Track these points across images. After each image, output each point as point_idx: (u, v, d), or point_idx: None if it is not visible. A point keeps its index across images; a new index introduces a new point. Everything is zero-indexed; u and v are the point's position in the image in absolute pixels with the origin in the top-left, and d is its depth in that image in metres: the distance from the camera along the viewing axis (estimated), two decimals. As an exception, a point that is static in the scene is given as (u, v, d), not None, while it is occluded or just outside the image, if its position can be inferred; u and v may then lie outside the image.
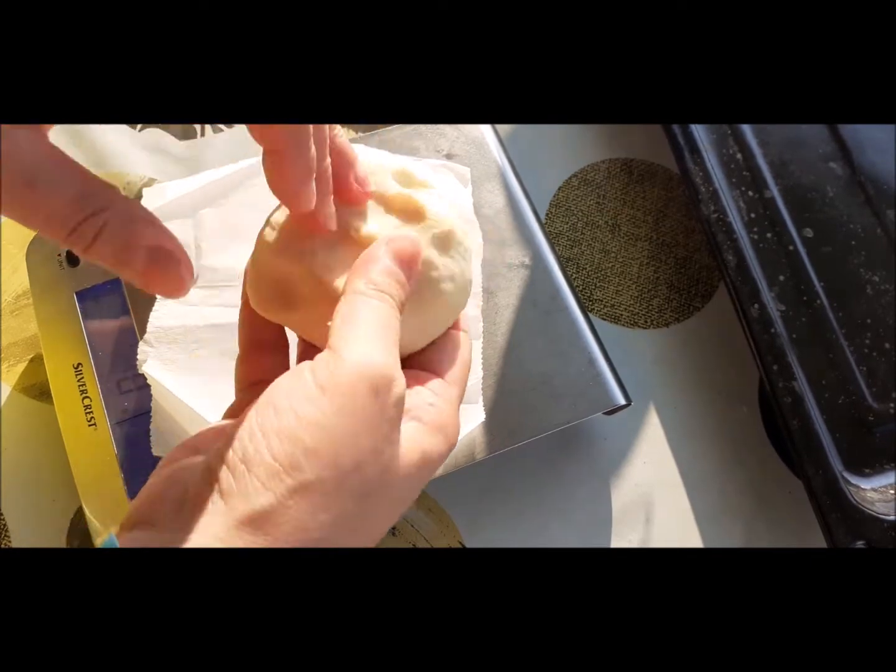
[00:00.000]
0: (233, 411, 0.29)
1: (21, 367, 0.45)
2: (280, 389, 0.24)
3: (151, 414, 0.38)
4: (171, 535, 0.22)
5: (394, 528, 0.41)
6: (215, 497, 0.22)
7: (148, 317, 0.39)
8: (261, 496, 0.22)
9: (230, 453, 0.23)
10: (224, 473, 0.22)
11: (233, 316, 0.31)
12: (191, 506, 0.22)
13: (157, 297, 0.39)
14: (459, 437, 0.34)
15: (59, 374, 0.40)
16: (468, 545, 0.42)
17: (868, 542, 0.37)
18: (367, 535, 0.25)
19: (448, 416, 0.27)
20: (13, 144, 0.21)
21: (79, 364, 0.40)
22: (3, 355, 0.46)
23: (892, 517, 0.38)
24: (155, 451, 0.37)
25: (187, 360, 0.38)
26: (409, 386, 0.26)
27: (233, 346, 0.30)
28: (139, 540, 0.22)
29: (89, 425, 0.39)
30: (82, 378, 0.40)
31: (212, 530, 0.22)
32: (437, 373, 0.29)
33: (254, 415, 0.23)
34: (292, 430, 0.22)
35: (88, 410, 0.39)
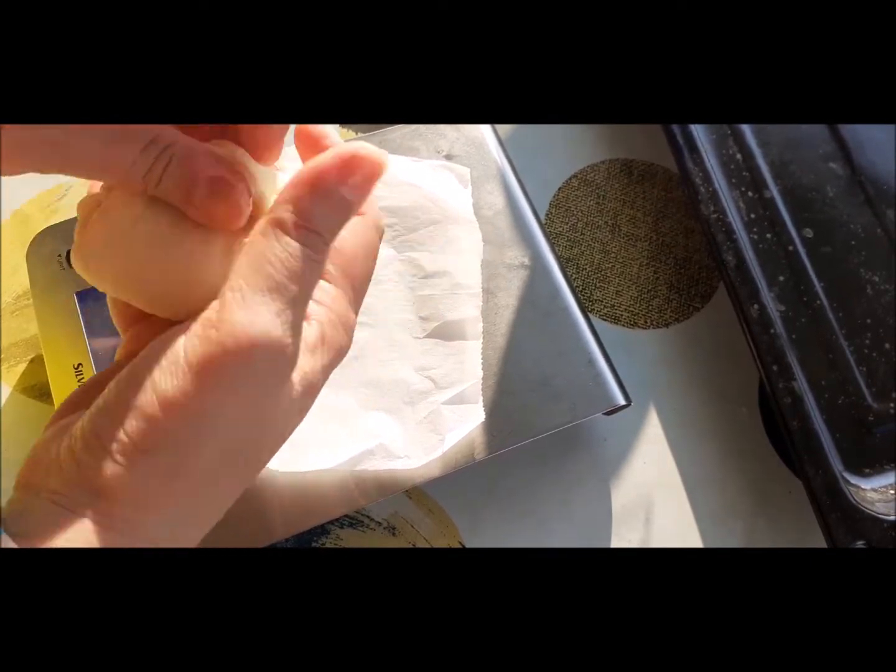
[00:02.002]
0: (123, 354, 0.27)
1: (21, 367, 0.45)
2: (143, 360, 0.22)
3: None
4: (40, 498, 0.22)
5: (394, 528, 0.41)
6: (74, 465, 0.22)
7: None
8: (110, 466, 0.21)
9: (89, 423, 0.22)
10: (81, 442, 0.22)
11: None
12: (58, 471, 0.22)
13: None
14: (458, 438, 0.33)
15: (60, 375, 0.40)
16: (468, 545, 0.42)
17: (868, 542, 0.37)
18: (234, 485, 0.24)
19: (330, 329, 0.24)
20: None
21: (79, 364, 0.40)
22: (3, 356, 0.46)
23: (892, 517, 0.38)
24: None
25: None
26: None
27: None
28: (17, 503, 0.22)
29: (89, 425, 0.39)
30: (83, 378, 0.40)
31: (72, 493, 0.21)
32: (323, 272, 0.24)
33: (113, 388, 0.22)
34: (147, 406, 0.21)
35: (88, 411, 0.39)
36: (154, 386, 0.21)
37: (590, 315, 0.44)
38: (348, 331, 0.24)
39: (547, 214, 0.50)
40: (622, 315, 0.47)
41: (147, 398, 0.21)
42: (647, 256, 0.49)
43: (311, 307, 0.23)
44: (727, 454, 0.44)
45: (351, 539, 0.41)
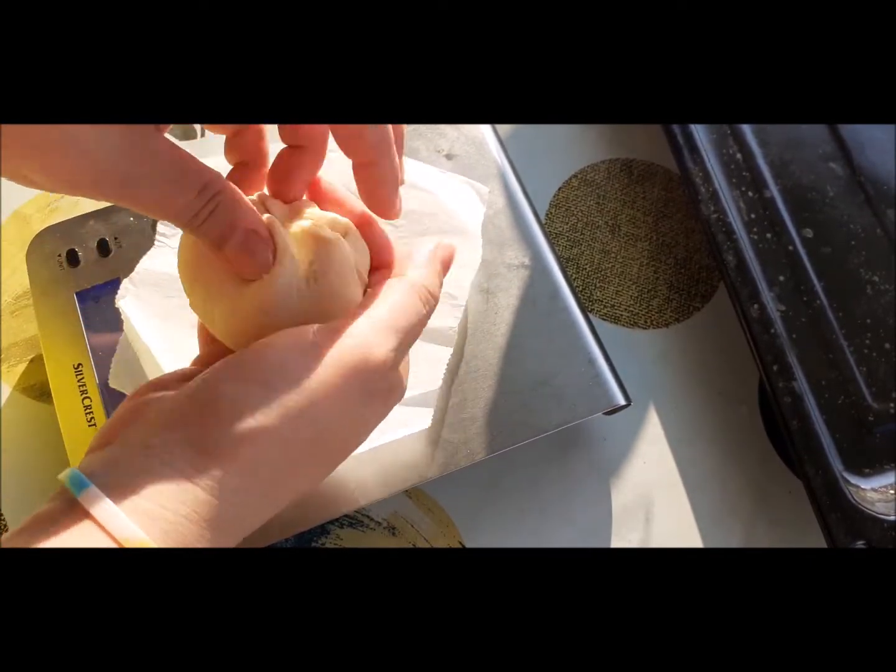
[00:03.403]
0: (199, 361, 0.29)
1: (21, 367, 0.45)
2: (274, 339, 0.25)
3: (117, 347, 0.39)
4: (131, 450, 0.23)
5: (394, 528, 0.41)
6: (178, 424, 0.23)
7: (148, 317, 0.39)
8: (222, 430, 0.23)
9: (203, 388, 0.24)
10: (190, 404, 0.24)
11: None
12: (154, 428, 0.24)
13: (155, 242, 0.40)
14: (395, 438, 0.36)
15: (60, 375, 0.40)
16: (468, 545, 0.42)
17: (868, 542, 0.37)
18: (314, 477, 0.26)
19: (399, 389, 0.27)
20: (152, 153, 0.24)
21: (79, 364, 0.40)
22: (3, 356, 0.46)
23: (892, 517, 0.38)
24: (111, 383, 0.38)
25: (162, 306, 0.39)
26: None
27: None
28: (101, 456, 0.23)
29: (89, 425, 0.39)
30: (82, 378, 0.40)
31: (171, 448, 0.23)
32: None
33: (236, 361, 0.24)
34: (273, 381, 0.24)
35: (88, 410, 0.39)
36: (283, 365, 0.24)
37: (590, 315, 0.44)
38: (406, 373, 0.28)
39: (547, 214, 0.50)
40: (622, 315, 0.47)
41: (273, 372, 0.24)
42: (647, 256, 0.49)
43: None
44: (727, 454, 0.44)
45: (351, 539, 0.41)
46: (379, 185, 0.28)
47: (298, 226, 0.28)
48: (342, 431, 0.26)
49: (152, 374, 0.38)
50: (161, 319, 0.38)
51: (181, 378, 0.27)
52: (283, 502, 0.26)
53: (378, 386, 0.25)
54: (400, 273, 0.28)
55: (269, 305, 0.26)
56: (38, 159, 0.23)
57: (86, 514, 0.21)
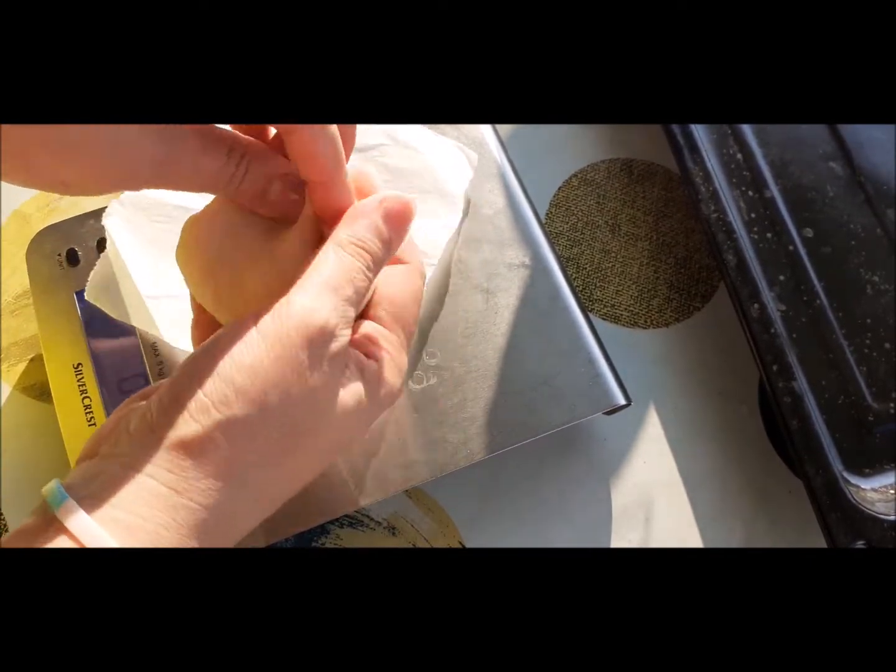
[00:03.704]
0: (196, 335, 0.31)
1: (21, 366, 0.45)
2: (222, 336, 0.25)
3: (98, 262, 0.40)
4: (109, 460, 0.24)
5: (394, 528, 0.41)
6: (145, 427, 0.24)
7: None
8: (189, 426, 0.23)
9: (166, 390, 0.25)
10: (156, 406, 0.24)
11: (203, 203, 0.32)
12: (129, 438, 0.24)
13: None
14: None
15: (60, 374, 0.40)
16: (468, 545, 0.42)
17: (868, 542, 0.37)
18: (294, 472, 0.26)
19: (387, 368, 0.28)
20: (176, 133, 0.25)
21: (79, 364, 0.40)
22: (3, 355, 0.46)
23: (892, 517, 0.38)
24: (87, 296, 0.39)
25: (148, 228, 0.40)
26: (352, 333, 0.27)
27: None
28: (83, 468, 0.24)
29: (89, 425, 0.39)
30: (82, 378, 0.40)
31: (143, 452, 0.23)
32: (376, 318, 0.29)
33: (191, 360, 0.25)
34: (227, 372, 0.24)
35: (88, 410, 0.39)
36: (231, 354, 0.24)
37: (590, 315, 0.43)
38: (401, 373, 0.28)
39: (547, 214, 0.50)
40: (622, 315, 0.47)
41: (224, 364, 0.24)
42: (647, 256, 0.49)
43: (373, 349, 0.28)
44: (727, 454, 0.44)
45: (351, 539, 0.41)
46: (331, 203, 0.28)
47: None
48: (309, 407, 0.25)
49: (128, 295, 0.39)
50: (145, 243, 0.39)
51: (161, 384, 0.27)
52: (272, 501, 0.26)
53: (330, 349, 0.25)
54: (332, 235, 0.28)
55: (285, 272, 0.27)
56: (77, 161, 0.24)
57: (62, 528, 0.22)
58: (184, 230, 0.29)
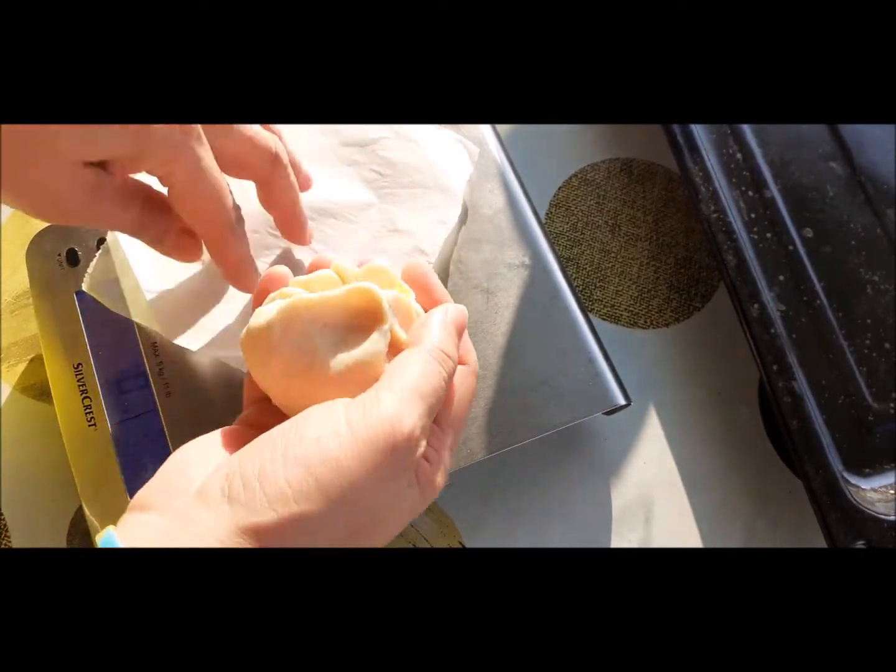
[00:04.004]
0: (244, 420, 0.30)
1: (21, 366, 0.45)
2: (310, 418, 0.25)
3: (97, 254, 0.41)
4: (170, 520, 0.24)
5: (394, 528, 0.41)
6: (222, 500, 0.24)
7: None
8: (266, 513, 0.23)
9: (248, 465, 0.24)
10: (236, 481, 0.24)
11: None
12: (195, 500, 0.24)
13: None
14: None
15: (60, 374, 0.40)
16: (468, 545, 0.42)
17: (868, 542, 0.37)
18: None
19: (437, 472, 0.28)
20: (101, 189, 0.29)
21: (79, 364, 0.40)
22: (3, 355, 0.46)
23: (892, 517, 0.38)
24: (85, 287, 0.40)
25: None
26: None
27: None
28: (143, 523, 0.24)
29: (89, 425, 0.39)
30: (82, 378, 0.40)
31: (210, 527, 0.23)
32: (436, 419, 0.29)
33: (279, 435, 0.25)
34: (311, 462, 0.24)
35: (88, 410, 0.39)
36: (319, 443, 0.24)
37: (590, 315, 0.44)
38: (446, 474, 0.29)
39: (547, 214, 0.50)
40: (622, 315, 0.47)
41: (311, 452, 0.24)
42: (647, 256, 0.49)
43: (428, 453, 0.27)
44: (727, 454, 0.44)
45: (351, 539, 0.41)
46: (229, 261, 0.32)
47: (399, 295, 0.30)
48: (377, 511, 0.26)
49: (128, 289, 0.39)
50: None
51: (227, 440, 0.27)
52: None
53: (409, 457, 0.25)
54: (416, 341, 0.28)
55: (365, 372, 0.27)
56: (25, 199, 0.29)
57: None
58: (252, 331, 0.29)
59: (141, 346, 0.40)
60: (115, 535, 0.23)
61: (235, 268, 0.33)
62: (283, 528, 0.23)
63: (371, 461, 0.24)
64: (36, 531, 0.42)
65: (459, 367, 0.30)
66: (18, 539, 0.41)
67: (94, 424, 0.39)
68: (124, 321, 0.40)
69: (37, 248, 0.42)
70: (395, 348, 0.29)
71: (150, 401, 0.39)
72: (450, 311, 0.30)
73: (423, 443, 0.26)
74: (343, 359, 0.27)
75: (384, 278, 0.30)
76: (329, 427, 0.25)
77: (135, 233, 0.32)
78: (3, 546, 0.41)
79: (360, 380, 0.27)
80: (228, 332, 0.37)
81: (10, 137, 0.25)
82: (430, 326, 0.29)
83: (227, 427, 0.29)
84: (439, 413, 0.28)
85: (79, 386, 0.39)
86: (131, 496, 0.37)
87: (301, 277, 0.30)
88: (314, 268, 0.31)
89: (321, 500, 0.24)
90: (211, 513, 0.23)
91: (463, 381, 0.30)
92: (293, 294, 0.29)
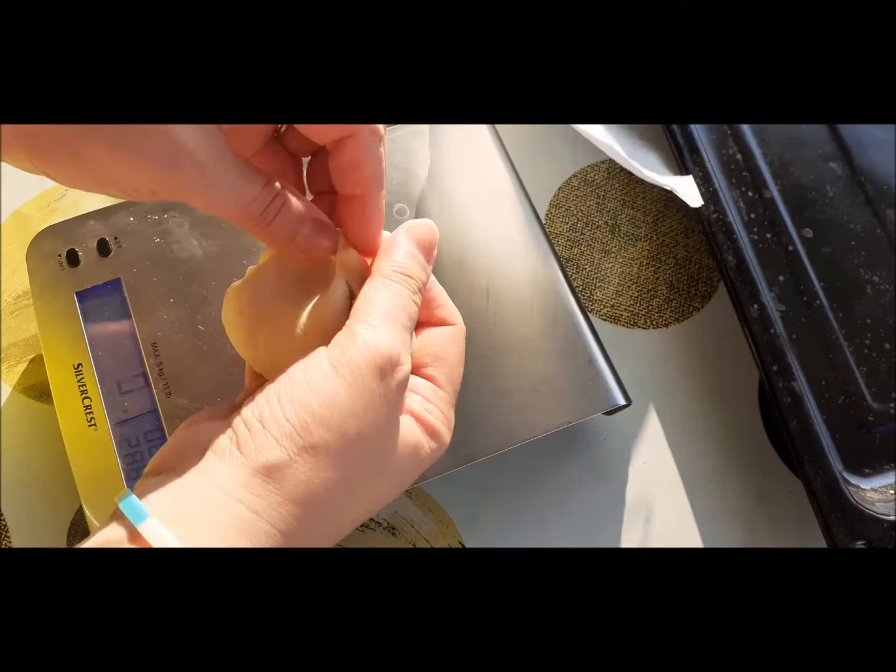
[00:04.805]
0: (244, 397, 0.30)
1: (21, 367, 0.45)
2: (296, 367, 0.26)
3: None
4: (189, 477, 0.24)
5: (394, 528, 0.41)
6: (232, 448, 0.25)
7: (148, 317, 0.39)
8: (274, 451, 0.24)
9: (248, 412, 0.25)
10: (242, 429, 0.25)
11: None
12: (210, 454, 0.25)
13: None
14: None
15: (60, 375, 0.40)
16: (468, 545, 0.42)
17: (868, 542, 0.37)
18: (365, 503, 0.27)
19: (439, 423, 0.28)
20: (223, 151, 0.25)
21: (79, 364, 0.40)
22: (3, 356, 0.46)
23: (892, 517, 0.38)
24: None
25: None
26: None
27: None
28: (161, 483, 0.24)
29: (90, 426, 0.39)
30: (82, 378, 0.40)
31: (228, 474, 0.24)
32: (428, 376, 0.30)
33: (271, 386, 0.26)
34: (305, 399, 0.25)
35: (89, 411, 0.39)
36: (309, 383, 0.25)
37: (589, 315, 0.44)
38: (450, 428, 0.29)
39: (547, 214, 0.50)
40: (622, 315, 0.47)
41: (303, 392, 0.25)
42: (646, 256, 0.49)
43: (428, 407, 0.28)
44: (727, 454, 0.44)
45: (351, 539, 0.41)
46: (368, 220, 0.29)
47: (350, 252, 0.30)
48: (383, 436, 0.26)
49: None
50: None
51: (232, 409, 0.27)
52: (339, 530, 0.26)
53: (397, 376, 0.26)
54: (375, 269, 0.29)
55: (328, 320, 0.28)
56: (128, 160, 0.24)
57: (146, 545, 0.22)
58: (226, 299, 0.30)
59: (141, 346, 0.40)
60: (133, 495, 0.23)
61: (378, 229, 0.31)
62: (295, 465, 0.24)
63: (361, 387, 0.25)
64: (36, 531, 0.42)
65: (444, 328, 0.31)
66: (18, 539, 0.41)
67: (95, 425, 0.39)
68: (124, 321, 0.40)
69: (37, 249, 0.42)
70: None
71: (151, 401, 0.39)
72: (412, 229, 0.30)
73: (408, 358, 0.27)
74: (309, 313, 0.28)
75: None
76: (315, 371, 0.25)
77: (258, 220, 0.27)
78: (3, 546, 0.41)
79: (332, 327, 0.28)
80: None
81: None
82: (387, 251, 0.29)
83: (206, 411, 0.29)
84: (434, 371, 0.29)
85: (79, 386, 0.39)
86: (131, 496, 0.37)
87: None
88: None
89: (323, 431, 0.24)
90: (224, 463, 0.24)
91: (452, 339, 0.31)
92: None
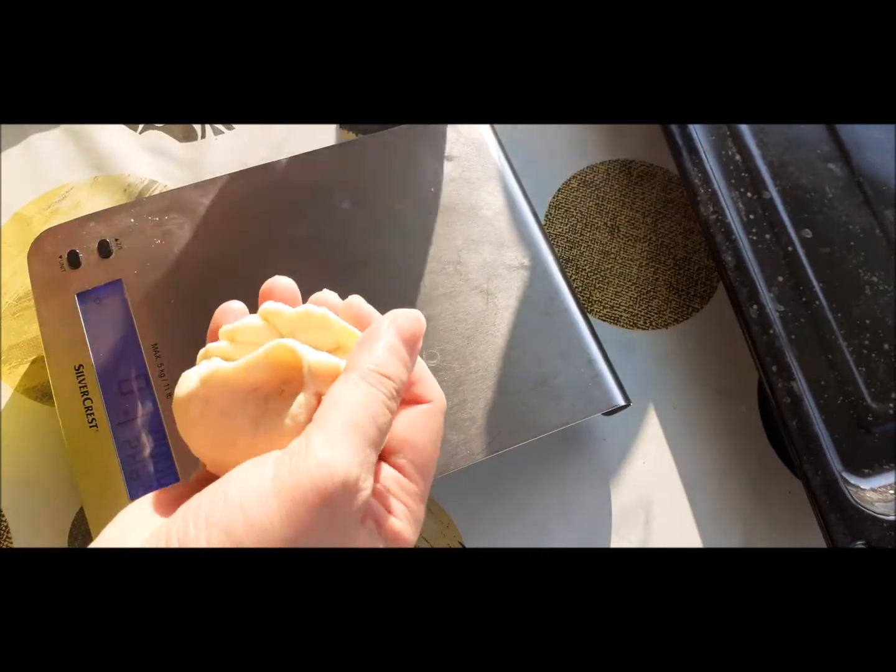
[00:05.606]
0: (197, 481, 0.27)
1: (23, 368, 0.45)
2: (237, 479, 0.23)
3: None
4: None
5: (394, 529, 0.41)
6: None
7: (148, 319, 0.39)
8: None
9: (174, 529, 0.22)
10: (166, 544, 0.22)
11: None
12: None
13: None
14: None
15: (61, 376, 0.40)
16: (468, 545, 0.42)
17: (868, 542, 0.37)
18: None
19: (404, 522, 0.25)
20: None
21: (80, 366, 0.40)
22: (4, 357, 0.46)
23: (891, 517, 0.38)
24: None
25: None
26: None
27: None
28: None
29: (90, 427, 0.39)
30: (83, 380, 0.40)
31: None
32: (396, 466, 0.26)
33: (206, 496, 0.23)
34: (234, 529, 0.22)
35: (90, 412, 0.39)
36: (243, 508, 0.22)
37: (589, 316, 0.44)
38: (418, 527, 0.26)
39: (546, 215, 0.50)
40: (622, 315, 0.47)
41: (234, 518, 0.22)
42: (646, 257, 0.49)
43: (392, 504, 0.25)
44: (727, 454, 0.44)
45: (351, 539, 0.41)
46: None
47: (323, 358, 0.26)
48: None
49: None
50: None
51: (164, 504, 0.25)
52: None
53: (351, 504, 0.23)
54: (349, 365, 0.25)
55: (287, 440, 0.24)
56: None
57: None
58: (175, 407, 0.26)
59: (142, 347, 0.40)
60: None
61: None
62: None
63: (302, 520, 0.22)
64: (37, 532, 0.42)
65: (421, 406, 0.27)
66: (19, 540, 0.41)
67: (96, 426, 0.39)
68: (125, 323, 0.40)
69: (38, 251, 0.43)
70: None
71: (151, 402, 0.39)
72: (397, 320, 0.26)
73: (368, 482, 0.23)
74: (269, 427, 0.25)
75: (320, 324, 0.27)
76: (254, 489, 0.22)
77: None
78: (3, 546, 0.41)
79: (290, 441, 0.24)
80: None
81: None
82: (365, 345, 0.25)
83: (164, 489, 0.27)
84: (403, 459, 0.26)
85: (80, 387, 0.40)
86: (132, 497, 0.37)
87: (228, 326, 0.27)
88: (262, 297, 0.28)
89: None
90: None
91: (427, 421, 0.27)
92: (216, 353, 0.27)
